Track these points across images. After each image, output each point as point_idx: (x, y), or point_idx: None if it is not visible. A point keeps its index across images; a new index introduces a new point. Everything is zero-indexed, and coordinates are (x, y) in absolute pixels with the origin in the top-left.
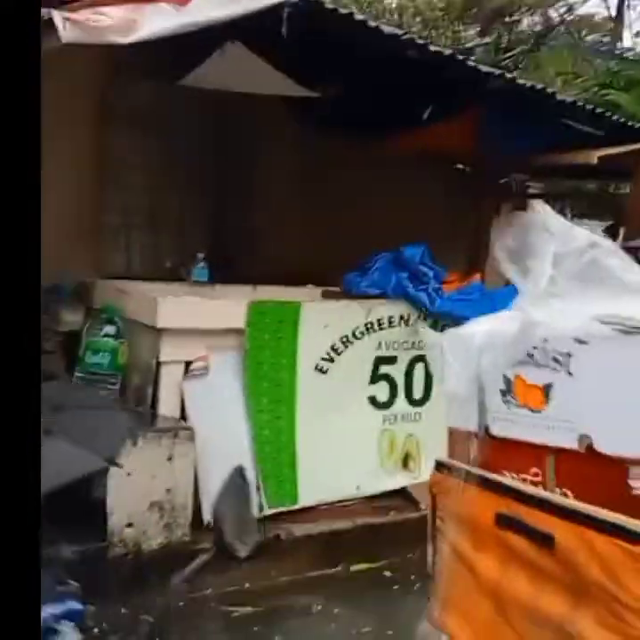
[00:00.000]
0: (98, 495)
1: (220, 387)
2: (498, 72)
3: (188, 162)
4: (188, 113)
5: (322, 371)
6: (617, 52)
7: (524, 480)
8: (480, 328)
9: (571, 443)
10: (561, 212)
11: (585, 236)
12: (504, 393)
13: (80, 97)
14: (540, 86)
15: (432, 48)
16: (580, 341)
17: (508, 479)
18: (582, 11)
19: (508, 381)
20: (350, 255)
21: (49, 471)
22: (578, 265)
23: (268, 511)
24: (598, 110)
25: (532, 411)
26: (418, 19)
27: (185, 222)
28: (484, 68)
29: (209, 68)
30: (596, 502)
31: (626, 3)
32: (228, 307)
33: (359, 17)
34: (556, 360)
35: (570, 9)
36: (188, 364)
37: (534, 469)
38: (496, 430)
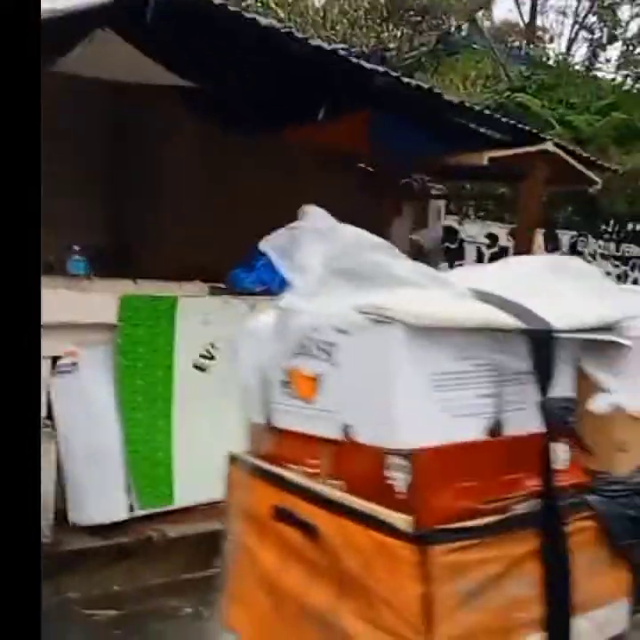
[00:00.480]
0: None
1: (90, 384)
2: (382, 70)
3: (76, 155)
4: (75, 106)
5: (201, 368)
6: (530, 56)
7: (305, 472)
8: (268, 320)
9: (337, 433)
10: (464, 213)
11: (353, 234)
12: (284, 384)
13: None
14: (426, 86)
15: (312, 43)
16: (341, 331)
17: (283, 471)
18: (503, 16)
19: (286, 373)
20: (246, 251)
21: None
22: (346, 262)
23: (140, 512)
24: (486, 112)
25: (306, 402)
26: (344, 19)
27: (72, 217)
28: (368, 66)
29: (78, 54)
30: (362, 493)
31: (537, 9)
32: (100, 301)
33: (233, 8)
34: (322, 350)
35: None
36: (54, 360)
37: (312, 461)
38: (278, 422)
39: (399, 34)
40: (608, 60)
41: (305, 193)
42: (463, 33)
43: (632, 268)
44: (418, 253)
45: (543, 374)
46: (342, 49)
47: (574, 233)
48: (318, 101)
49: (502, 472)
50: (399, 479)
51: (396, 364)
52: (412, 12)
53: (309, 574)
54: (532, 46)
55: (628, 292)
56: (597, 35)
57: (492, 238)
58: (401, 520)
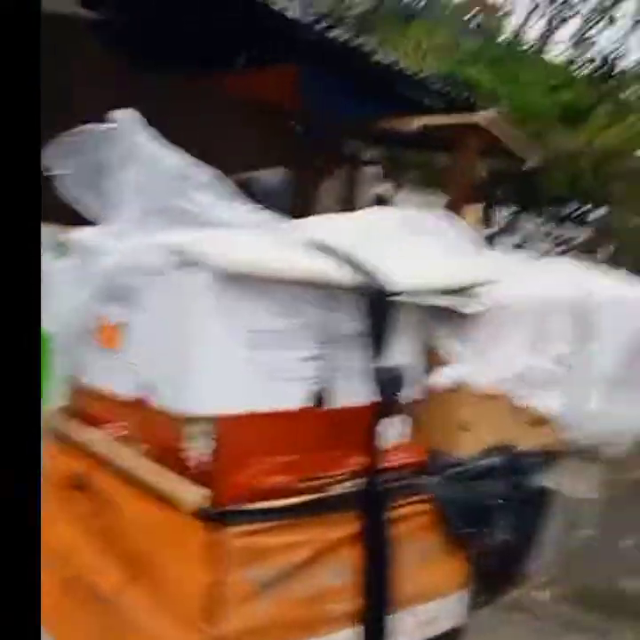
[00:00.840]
0: None
1: None
2: (307, 21)
3: None
4: None
5: None
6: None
7: (111, 434)
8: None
9: (139, 392)
10: (399, 183)
11: (178, 166)
12: (92, 335)
13: None
14: (353, 43)
15: None
16: (145, 273)
17: (83, 433)
18: None
19: (95, 321)
20: None
21: None
22: (165, 196)
23: None
24: (420, 76)
25: (111, 354)
26: None
27: None
28: (292, 16)
29: None
30: (165, 462)
31: None
32: None
33: None
34: (127, 296)
35: None
36: None
37: (120, 422)
38: (88, 378)
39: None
40: (560, 41)
41: (228, 142)
42: (422, 2)
43: (564, 251)
44: (256, 196)
45: (376, 339)
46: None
47: (512, 209)
48: (241, 47)
49: (323, 447)
50: (200, 448)
51: (201, 314)
52: None
53: (97, 548)
54: (485, 20)
55: (496, 257)
56: (551, 13)
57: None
58: (192, 495)
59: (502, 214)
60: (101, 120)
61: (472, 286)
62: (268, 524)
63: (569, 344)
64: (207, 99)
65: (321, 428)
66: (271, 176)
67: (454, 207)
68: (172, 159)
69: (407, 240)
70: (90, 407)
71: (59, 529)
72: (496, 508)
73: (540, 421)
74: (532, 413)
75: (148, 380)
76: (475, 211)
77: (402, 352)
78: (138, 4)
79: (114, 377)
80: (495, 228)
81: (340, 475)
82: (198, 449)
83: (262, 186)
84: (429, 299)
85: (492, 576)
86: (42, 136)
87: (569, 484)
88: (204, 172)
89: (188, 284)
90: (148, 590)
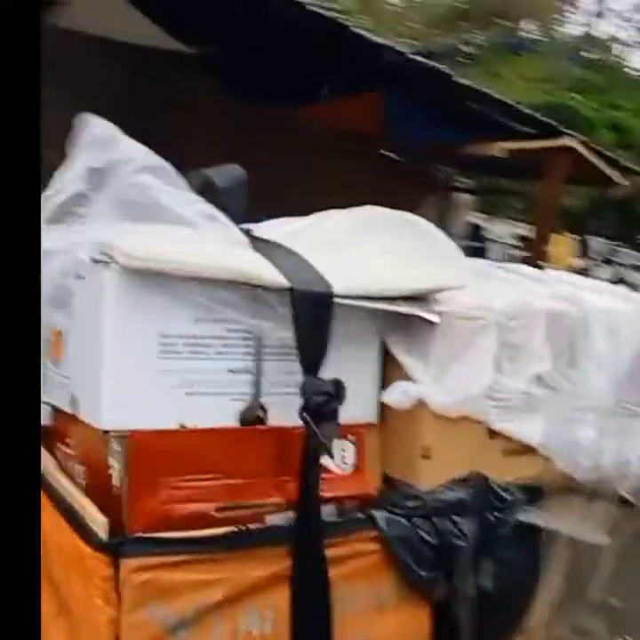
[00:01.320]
0: None
1: None
2: (392, 46)
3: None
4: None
5: None
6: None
7: (63, 454)
8: None
9: (71, 407)
10: (489, 211)
11: (141, 155)
12: (47, 345)
13: None
14: (438, 67)
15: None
16: (77, 275)
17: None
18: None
19: (49, 330)
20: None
21: None
22: (122, 187)
23: None
24: (507, 101)
25: (54, 365)
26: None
27: None
28: (379, 41)
29: (77, 7)
30: (96, 485)
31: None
32: None
33: None
34: (65, 300)
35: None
36: None
37: (68, 440)
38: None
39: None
40: None
41: (318, 174)
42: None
43: None
44: (207, 192)
45: (313, 349)
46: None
47: (607, 241)
48: (330, 77)
49: (249, 472)
50: (115, 469)
51: (108, 317)
52: (488, 13)
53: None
54: (590, 49)
55: (475, 264)
56: None
57: (522, 240)
58: (98, 521)
59: (598, 245)
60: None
61: (433, 292)
62: (174, 558)
63: (552, 362)
64: (295, 129)
65: (248, 450)
66: (231, 171)
67: (542, 235)
68: (136, 148)
69: (367, 242)
70: (55, 423)
71: None
72: (464, 550)
73: (519, 450)
74: (508, 441)
75: (74, 392)
76: (566, 241)
77: (346, 365)
78: (230, 38)
79: (57, 391)
80: (591, 260)
81: (267, 505)
82: (115, 469)
83: (220, 181)
84: (379, 304)
85: (467, 631)
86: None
87: (570, 525)
88: (155, 158)
89: (97, 284)
90: (65, 626)
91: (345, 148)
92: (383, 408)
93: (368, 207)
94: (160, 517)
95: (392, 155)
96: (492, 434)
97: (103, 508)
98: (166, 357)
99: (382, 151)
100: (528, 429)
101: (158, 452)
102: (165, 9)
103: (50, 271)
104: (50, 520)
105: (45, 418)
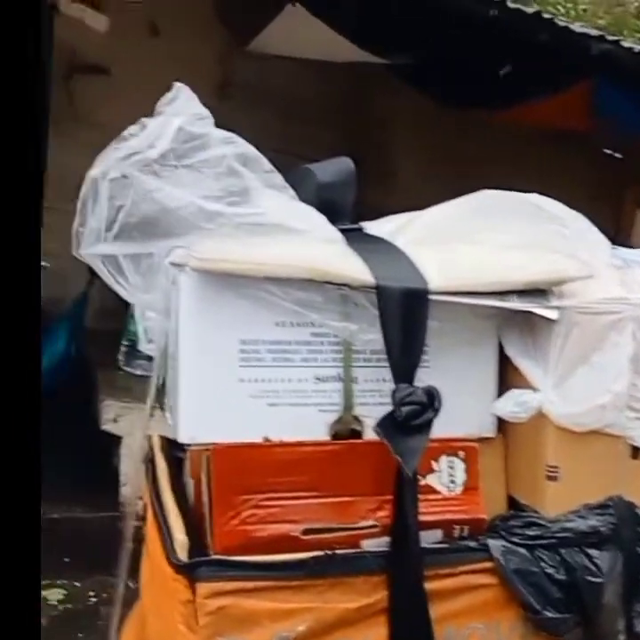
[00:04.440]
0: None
1: None
2: (596, 33)
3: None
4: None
5: None
6: None
7: None
8: None
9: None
10: None
11: (239, 142)
12: None
13: None
14: None
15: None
16: (173, 282)
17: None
18: None
19: None
20: None
21: None
22: (214, 163)
23: None
24: None
25: None
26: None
27: None
28: (590, 32)
29: (272, 32)
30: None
31: None
32: None
33: None
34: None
35: None
36: None
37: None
38: None
39: None
40: None
41: (533, 176)
42: None
43: None
44: (308, 187)
45: (399, 352)
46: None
47: None
48: (536, 75)
49: (341, 491)
50: (203, 482)
51: (185, 323)
52: None
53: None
54: None
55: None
56: None
57: None
58: (179, 541)
59: None
60: None
61: (552, 284)
62: (254, 584)
63: None
64: (506, 132)
65: (340, 466)
66: (330, 166)
67: None
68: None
69: (479, 230)
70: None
71: None
72: (601, 589)
73: None
74: None
75: (170, 399)
76: None
77: (456, 371)
78: (428, 45)
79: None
80: None
81: (361, 528)
82: (204, 484)
83: (317, 177)
84: (486, 300)
85: None
86: None
87: None
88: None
89: (176, 289)
90: None
91: (561, 148)
92: (505, 421)
93: (486, 192)
94: (243, 538)
95: (613, 153)
96: (637, 452)
97: (194, 527)
98: (248, 365)
99: (604, 149)
100: None
101: (242, 468)
102: (360, 24)
103: (160, 281)
104: (153, 539)
105: None
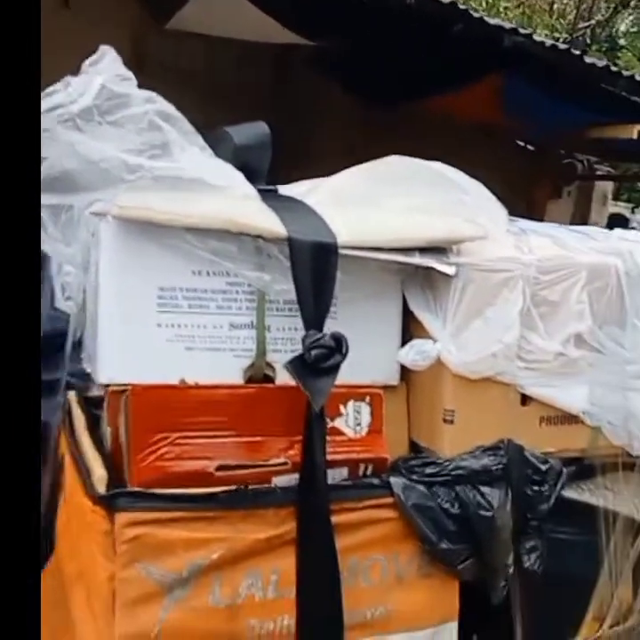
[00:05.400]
0: None
1: None
2: (509, 27)
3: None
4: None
5: None
6: None
7: None
8: None
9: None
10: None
11: (161, 100)
12: None
13: None
14: (562, 47)
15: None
16: (92, 234)
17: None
18: None
19: None
20: None
21: None
22: (136, 119)
23: None
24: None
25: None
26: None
27: None
28: (492, 22)
29: (192, 9)
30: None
31: None
32: None
33: None
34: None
35: None
36: None
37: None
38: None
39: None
40: None
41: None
42: None
43: None
44: (225, 149)
45: (310, 301)
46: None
47: None
48: (449, 66)
49: (253, 430)
50: (122, 423)
51: (105, 270)
52: None
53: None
54: None
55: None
56: None
57: None
58: (97, 475)
59: None
60: None
61: (449, 243)
62: (169, 514)
63: (595, 321)
64: (422, 122)
65: (252, 408)
66: (246, 129)
67: None
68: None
69: (384, 193)
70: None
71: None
72: (493, 523)
73: (559, 419)
74: (546, 408)
75: (89, 350)
76: None
77: (363, 323)
78: (352, 32)
79: (86, 354)
80: None
81: (272, 465)
82: (121, 423)
83: (234, 139)
84: (390, 255)
85: (517, 616)
86: None
87: (629, 504)
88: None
89: (97, 237)
90: (82, 587)
91: (475, 139)
92: (407, 369)
93: (391, 157)
94: (159, 474)
95: (526, 145)
96: (526, 400)
97: (113, 466)
98: (166, 311)
99: (517, 141)
100: (569, 396)
101: (159, 407)
102: (286, 5)
103: (79, 235)
104: (71, 482)
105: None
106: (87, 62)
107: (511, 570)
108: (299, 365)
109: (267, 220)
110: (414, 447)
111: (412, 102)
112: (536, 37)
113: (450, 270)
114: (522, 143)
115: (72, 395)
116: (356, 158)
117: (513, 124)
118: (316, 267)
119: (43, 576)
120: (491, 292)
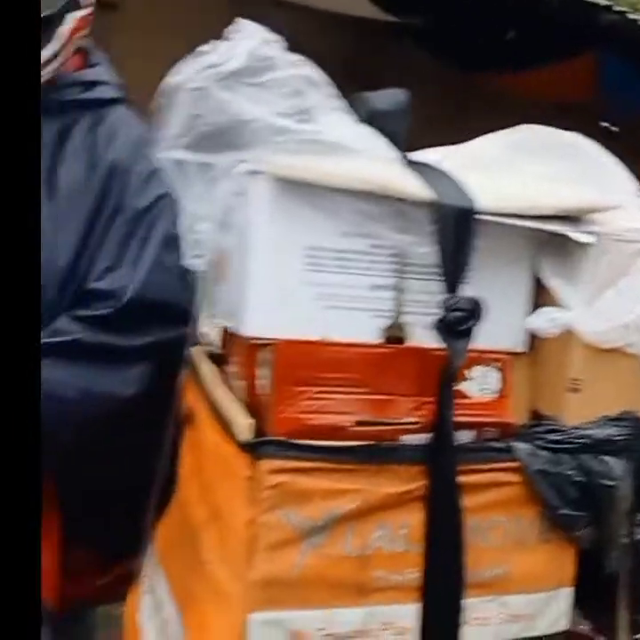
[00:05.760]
0: None
1: None
2: (604, 3)
3: None
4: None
5: None
6: None
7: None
8: None
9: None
10: None
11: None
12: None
13: None
14: None
15: None
16: (239, 194)
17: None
18: None
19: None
20: None
21: None
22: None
23: None
24: None
25: (221, 285)
26: None
27: None
28: (599, 1)
29: None
30: (250, 393)
31: None
32: None
33: None
34: (231, 219)
35: None
36: None
37: (233, 357)
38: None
39: None
40: None
41: None
42: None
43: None
44: (368, 115)
45: (450, 265)
46: None
47: None
48: (541, 41)
49: (389, 390)
50: (264, 376)
51: (259, 227)
52: None
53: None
54: None
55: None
56: None
57: None
58: (243, 423)
59: None
60: None
61: (585, 212)
62: (310, 464)
63: None
64: (503, 100)
65: (388, 367)
66: (387, 96)
67: None
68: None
69: (520, 161)
70: (223, 345)
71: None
72: (614, 492)
73: None
74: None
75: (231, 306)
76: None
77: (494, 287)
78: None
79: (223, 310)
80: None
81: (404, 423)
82: (264, 376)
83: (376, 105)
84: (528, 222)
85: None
86: None
87: None
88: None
89: (251, 195)
90: (216, 530)
91: (554, 120)
92: (534, 337)
93: (525, 126)
94: (300, 425)
95: (611, 126)
96: None
97: (252, 417)
98: (312, 270)
99: (601, 123)
100: None
101: (301, 362)
102: None
103: (219, 194)
104: (208, 428)
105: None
106: (228, 29)
107: (626, 540)
108: (441, 327)
109: (413, 184)
110: (534, 415)
111: (505, 77)
112: (630, 16)
113: (588, 238)
114: (606, 125)
115: (198, 349)
116: (440, 133)
117: (607, 103)
118: (457, 231)
119: (165, 521)
120: (625, 262)
